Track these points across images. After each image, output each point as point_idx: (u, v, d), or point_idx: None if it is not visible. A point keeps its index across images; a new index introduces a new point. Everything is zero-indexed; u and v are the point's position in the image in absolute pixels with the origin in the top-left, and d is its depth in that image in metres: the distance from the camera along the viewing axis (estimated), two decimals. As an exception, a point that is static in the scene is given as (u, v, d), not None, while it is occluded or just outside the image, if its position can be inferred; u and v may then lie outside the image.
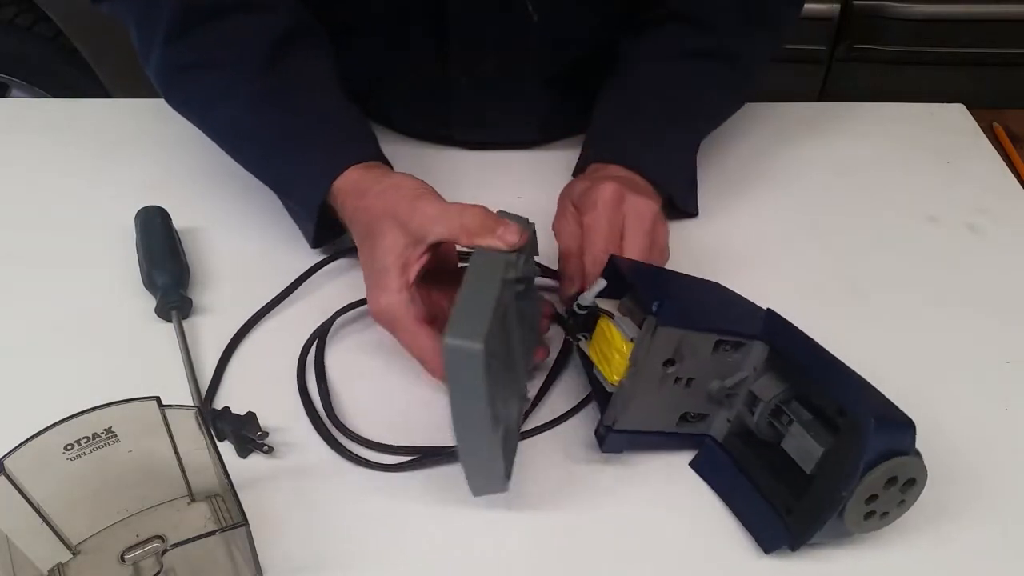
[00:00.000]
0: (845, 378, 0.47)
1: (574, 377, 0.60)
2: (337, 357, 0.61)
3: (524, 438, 0.56)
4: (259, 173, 0.66)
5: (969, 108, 0.86)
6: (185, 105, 0.66)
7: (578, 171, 0.71)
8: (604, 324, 0.53)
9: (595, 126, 0.72)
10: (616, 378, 0.51)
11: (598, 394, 0.56)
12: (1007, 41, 1.27)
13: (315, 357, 0.60)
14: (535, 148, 0.80)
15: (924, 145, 0.81)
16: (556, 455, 0.55)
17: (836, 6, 1.24)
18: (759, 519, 0.50)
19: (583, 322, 0.55)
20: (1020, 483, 0.54)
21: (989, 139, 0.82)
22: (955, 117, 0.86)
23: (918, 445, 0.46)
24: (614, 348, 0.52)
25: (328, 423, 0.56)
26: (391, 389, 0.58)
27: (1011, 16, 1.25)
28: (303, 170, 0.62)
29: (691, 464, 0.54)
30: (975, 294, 0.67)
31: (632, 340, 0.50)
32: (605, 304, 0.53)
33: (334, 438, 0.55)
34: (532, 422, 0.57)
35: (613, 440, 0.53)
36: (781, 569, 0.49)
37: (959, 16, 1.25)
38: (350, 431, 0.55)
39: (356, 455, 0.54)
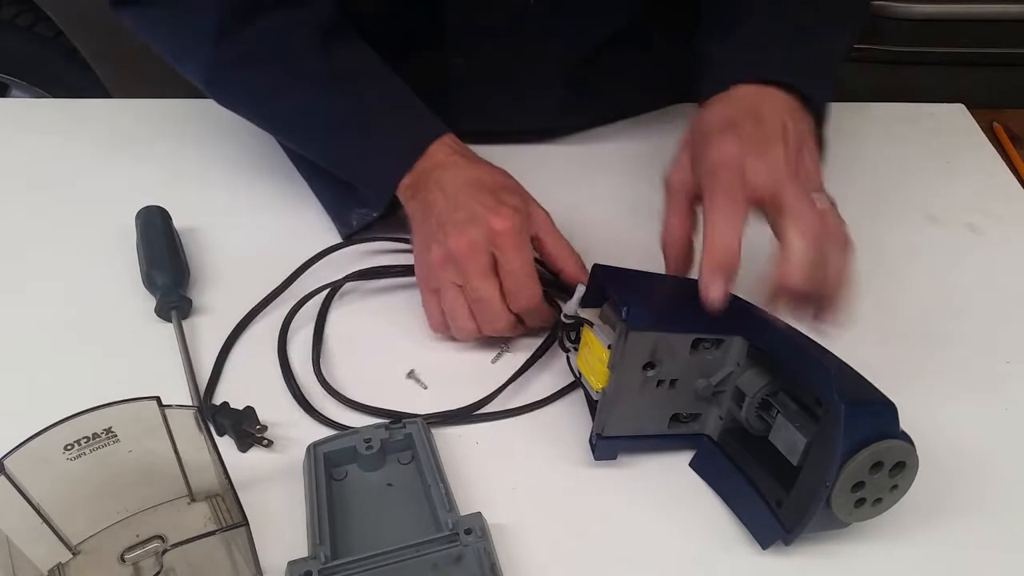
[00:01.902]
0: (820, 365, 0.46)
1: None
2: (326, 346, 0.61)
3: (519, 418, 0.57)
4: (327, 158, 0.66)
5: (969, 108, 0.86)
6: (241, 100, 0.66)
7: (715, 91, 0.58)
8: (586, 334, 0.53)
9: (736, 38, 0.62)
10: (599, 386, 0.51)
11: (590, 404, 0.56)
12: (1007, 41, 1.27)
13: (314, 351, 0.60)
14: (542, 142, 0.80)
15: (924, 145, 0.81)
16: (555, 459, 0.55)
17: (836, 6, 1.24)
18: (755, 515, 0.50)
19: (571, 333, 0.55)
20: (1020, 483, 0.54)
21: (989, 139, 0.82)
22: (955, 117, 0.86)
23: (918, 446, 0.46)
24: (595, 356, 0.52)
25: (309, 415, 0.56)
26: (381, 382, 0.59)
27: (1011, 16, 1.25)
28: (381, 147, 0.62)
29: (691, 464, 0.54)
30: (975, 294, 0.67)
31: (610, 347, 0.50)
32: (586, 313, 0.53)
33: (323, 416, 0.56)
34: (535, 421, 0.57)
35: (604, 447, 0.53)
36: (782, 565, 0.49)
37: (959, 16, 1.25)
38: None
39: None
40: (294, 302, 0.63)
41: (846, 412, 0.43)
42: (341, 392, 0.57)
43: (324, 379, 0.58)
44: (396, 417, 0.55)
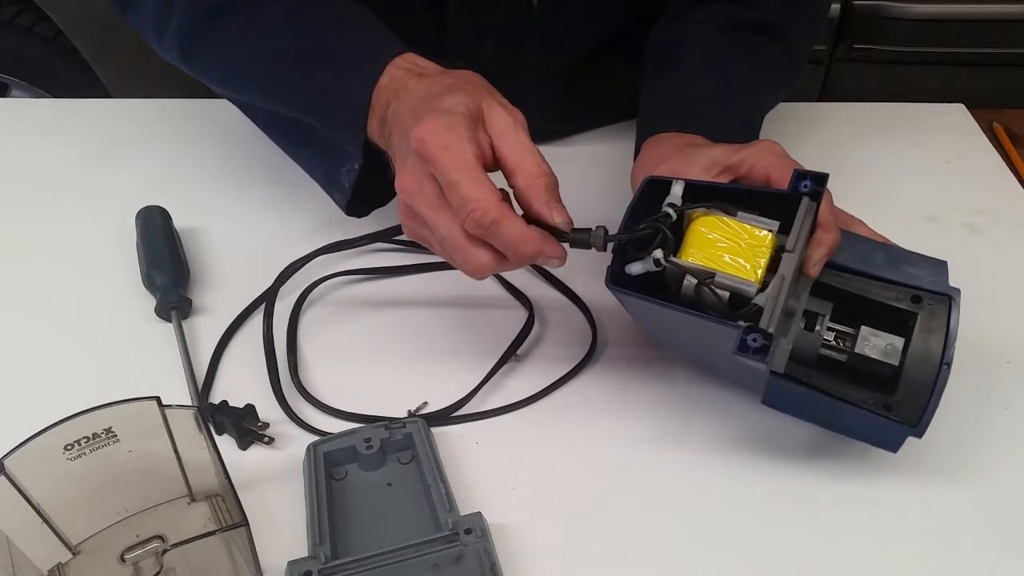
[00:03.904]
0: (929, 259, 0.53)
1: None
2: (313, 340, 0.61)
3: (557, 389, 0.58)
4: (295, 98, 0.60)
5: (969, 108, 0.86)
6: (210, 53, 0.62)
7: (645, 139, 0.64)
8: (712, 224, 0.48)
9: (659, 99, 0.67)
10: (758, 275, 0.47)
11: (710, 311, 0.48)
12: (1007, 41, 1.27)
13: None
14: (542, 144, 0.79)
15: (924, 145, 0.81)
16: (555, 459, 0.55)
17: (836, 6, 1.24)
18: (866, 427, 0.50)
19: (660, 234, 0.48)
20: (1020, 483, 0.54)
21: (989, 139, 0.82)
22: (955, 117, 0.86)
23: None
24: (744, 245, 0.47)
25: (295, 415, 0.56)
26: (375, 377, 0.59)
27: (1011, 16, 1.25)
28: (346, 71, 0.56)
29: (764, 401, 0.52)
30: (975, 294, 0.66)
31: (770, 231, 0.48)
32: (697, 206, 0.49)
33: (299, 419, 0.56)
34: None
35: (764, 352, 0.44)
36: (784, 547, 0.49)
37: (959, 16, 1.25)
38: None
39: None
40: (289, 297, 0.63)
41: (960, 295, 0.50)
42: (343, 388, 0.57)
43: (303, 387, 0.58)
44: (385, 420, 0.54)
